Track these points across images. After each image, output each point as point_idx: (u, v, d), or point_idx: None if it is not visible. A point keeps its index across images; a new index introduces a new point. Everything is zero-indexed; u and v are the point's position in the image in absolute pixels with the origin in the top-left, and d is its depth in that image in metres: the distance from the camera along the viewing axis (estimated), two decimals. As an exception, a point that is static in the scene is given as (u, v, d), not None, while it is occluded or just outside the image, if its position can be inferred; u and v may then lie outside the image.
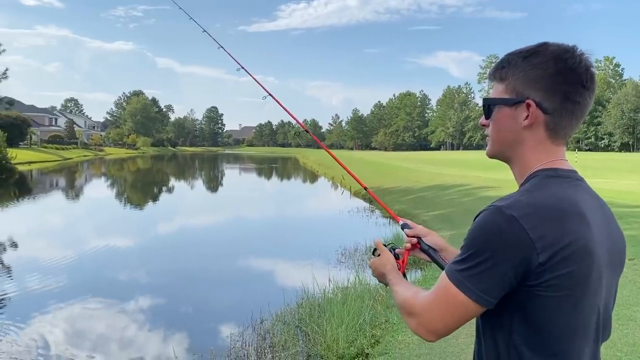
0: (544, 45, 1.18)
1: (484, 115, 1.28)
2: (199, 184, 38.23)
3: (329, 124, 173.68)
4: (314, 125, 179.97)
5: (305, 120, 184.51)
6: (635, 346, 4.32)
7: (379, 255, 1.61)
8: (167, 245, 13.33)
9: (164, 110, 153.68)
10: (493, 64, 1.29)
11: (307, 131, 2.27)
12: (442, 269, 1.48)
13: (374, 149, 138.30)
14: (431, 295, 1.19)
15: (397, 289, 1.39)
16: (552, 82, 1.14)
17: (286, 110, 2.11)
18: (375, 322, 6.07)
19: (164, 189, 32.54)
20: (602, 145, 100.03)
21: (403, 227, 1.68)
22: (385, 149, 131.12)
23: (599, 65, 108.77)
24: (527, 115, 1.17)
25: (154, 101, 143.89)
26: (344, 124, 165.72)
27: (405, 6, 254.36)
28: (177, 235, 15.03)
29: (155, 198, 26.56)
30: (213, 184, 38.80)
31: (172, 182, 39.01)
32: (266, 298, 7.35)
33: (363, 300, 6.68)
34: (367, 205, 20.13)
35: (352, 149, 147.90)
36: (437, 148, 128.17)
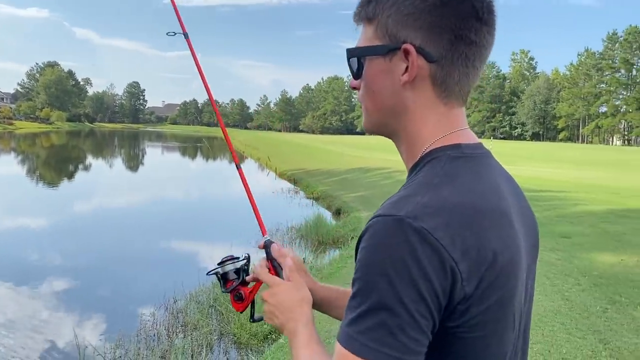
0: None
1: (352, 75, 0.91)
2: (118, 162, 36.77)
3: (257, 104, 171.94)
4: (242, 105, 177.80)
5: (232, 99, 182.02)
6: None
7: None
8: (81, 226, 12.74)
9: (82, 83, 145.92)
10: None
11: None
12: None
13: (302, 131, 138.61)
14: None
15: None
16: (436, 16, 0.80)
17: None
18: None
19: (80, 167, 30.99)
20: (516, 134, 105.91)
21: (267, 245, 1.14)
22: (313, 132, 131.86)
23: (515, 57, 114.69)
24: (407, 67, 0.82)
25: (71, 73, 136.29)
26: (272, 105, 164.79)
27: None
28: (92, 216, 14.39)
29: (70, 177, 25.27)
30: (133, 163, 37.45)
31: (89, 160, 37.24)
32: (181, 278, 7.20)
33: (280, 278, 6.72)
34: (291, 186, 20.18)
35: (280, 130, 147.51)
36: (363, 133, 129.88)
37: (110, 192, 19.76)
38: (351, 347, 0.73)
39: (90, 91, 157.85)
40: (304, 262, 7.71)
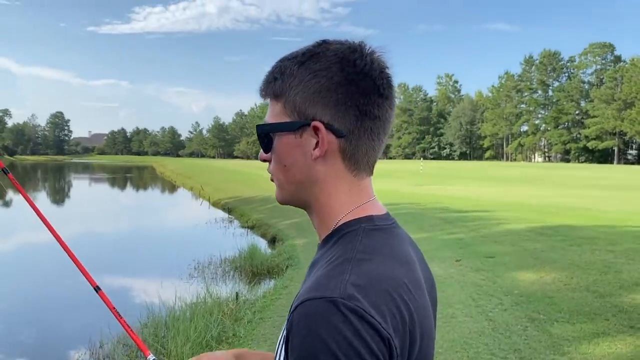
0: (324, 45, 0.88)
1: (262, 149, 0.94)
2: (42, 196, 34.94)
3: (189, 131, 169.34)
4: (173, 133, 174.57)
5: (163, 127, 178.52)
6: (453, 342, 4.78)
7: None
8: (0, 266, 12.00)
9: (0, 115, 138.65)
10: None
11: None
12: None
13: (237, 157, 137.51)
14: None
15: None
16: (342, 94, 0.84)
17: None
18: (223, 336, 6.01)
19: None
20: (445, 154, 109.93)
21: None
22: (248, 158, 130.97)
23: (441, 81, 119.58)
24: (317, 142, 0.85)
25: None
26: (204, 131, 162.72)
27: (265, 16, 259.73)
28: (12, 255, 13.59)
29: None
30: (58, 196, 35.72)
31: (9, 196, 35.19)
32: (107, 320, 6.90)
33: (212, 314, 6.58)
34: (225, 215, 19.91)
35: (213, 157, 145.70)
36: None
37: (33, 228, 18.74)
38: None
39: (10, 122, 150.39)
40: (238, 296, 7.63)
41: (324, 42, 0.89)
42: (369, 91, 0.85)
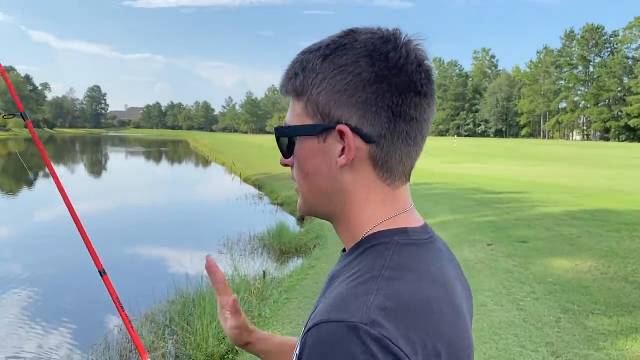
0: (351, 35, 0.76)
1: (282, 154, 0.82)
2: (80, 168, 35.88)
3: (222, 106, 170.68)
4: (206, 107, 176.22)
5: (197, 102, 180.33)
6: (482, 331, 4.64)
7: None
8: (40, 235, 12.48)
9: (40, 88, 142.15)
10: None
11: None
12: None
13: (269, 132, 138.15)
14: None
15: None
16: (372, 93, 0.72)
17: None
18: (248, 316, 5.98)
19: (41, 174, 30.14)
20: (479, 131, 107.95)
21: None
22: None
23: (477, 55, 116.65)
24: (343, 148, 0.74)
25: (28, 78, 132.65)
26: (237, 106, 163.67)
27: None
28: (52, 225, 14.02)
29: (30, 184, 24.55)
30: (95, 168, 36.64)
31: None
32: (135, 295, 6.99)
33: (238, 292, 6.60)
34: (256, 192, 20.02)
35: (246, 132, 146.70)
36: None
37: (72, 199, 19.29)
38: None
39: (49, 96, 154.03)
40: (265, 275, 7.63)
41: (352, 30, 0.76)
42: (404, 89, 0.73)
